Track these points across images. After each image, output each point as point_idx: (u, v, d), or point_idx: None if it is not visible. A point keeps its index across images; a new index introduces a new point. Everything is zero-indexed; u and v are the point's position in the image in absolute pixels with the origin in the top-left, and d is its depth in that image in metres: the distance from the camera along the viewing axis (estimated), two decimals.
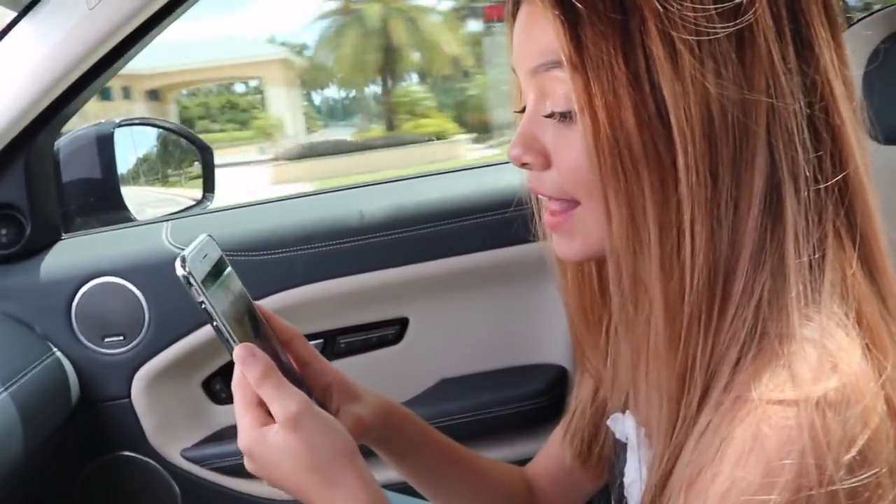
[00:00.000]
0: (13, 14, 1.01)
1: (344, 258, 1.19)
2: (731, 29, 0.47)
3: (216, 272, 0.62)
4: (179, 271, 0.57)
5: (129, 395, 1.20)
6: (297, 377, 0.67)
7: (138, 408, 1.21)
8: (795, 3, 0.49)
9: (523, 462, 0.85)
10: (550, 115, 0.54)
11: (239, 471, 1.23)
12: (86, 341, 1.18)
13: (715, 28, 0.47)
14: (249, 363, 0.58)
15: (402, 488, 0.84)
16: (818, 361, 0.46)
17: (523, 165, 0.57)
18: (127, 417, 1.21)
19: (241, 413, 0.59)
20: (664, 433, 0.52)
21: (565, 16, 0.50)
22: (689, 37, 0.47)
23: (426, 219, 1.20)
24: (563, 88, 0.52)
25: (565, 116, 0.53)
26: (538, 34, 0.53)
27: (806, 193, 0.49)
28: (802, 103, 0.49)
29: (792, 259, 0.48)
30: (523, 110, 0.58)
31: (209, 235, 0.64)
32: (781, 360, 0.46)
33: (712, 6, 0.47)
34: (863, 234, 0.51)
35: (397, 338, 1.28)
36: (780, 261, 0.49)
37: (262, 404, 0.59)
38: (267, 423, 0.58)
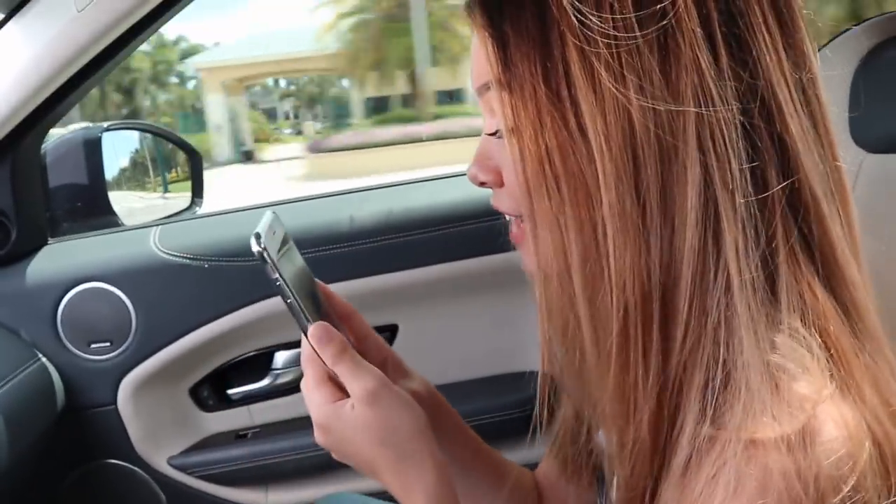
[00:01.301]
0: (0, 16, 1.00)
1: (334, 264, 1.19)
2: (652, 35, 0.46)
3: (286, 248, 0.62)
4: (255, 247, 0.57)
5: (115, 402, 1.19)
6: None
7: (124, 415, 1.20)
8: (731, 4, 0.47)
9: None
10: (495, 134, 0.55)
11: (226, 479, 1.22)
12: (72, 347, 1.16)
13: (635, 36, 0.46)
14: (326, 341, 0.59)
15: None
16: (787, 392, 0.44)
17: (481, 184, 0.58)
18: (113, 424, 1.20)
19: (312, 388, 0.60)
20: (618, 455, 0.51)
21: (494, 36, 0.50)
22: (604, 50, 0.46)
23: (416, 225, 1.20)
24: (498, 108, 0.52)
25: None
26: (479, 55, 0.53)
27: (744, 206, 0.46)
28: (735, 110, 0.46)
29: (735, 276, 0.46)
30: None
31: (274, 212, 0.64)
32: (751, 393, 0.45)
33: (631, 13, 0.46)
34: (820, 247, 0.49)
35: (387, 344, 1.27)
36: (726, 280, 0.47)
37: (333, 380, 0.59)
38: (341, 399, 0.59)
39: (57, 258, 1.21)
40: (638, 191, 0.47)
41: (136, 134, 1.60)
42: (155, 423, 1.22)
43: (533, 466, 0.84)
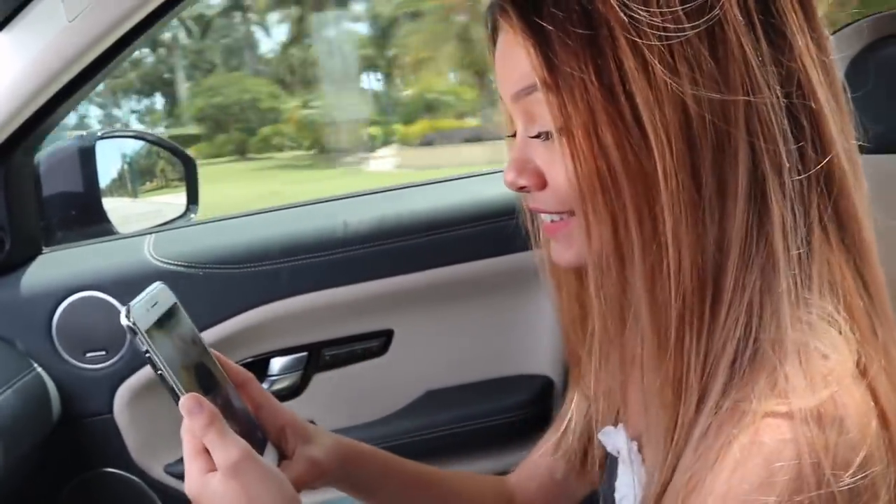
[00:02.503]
0: None
1: (328, 270, 1.19)
2: (701, 27, 0.47)
3: (168, 320, 0.63)
4: (124, 321, 0.58)
5: (111, 411, 1.19)
6: (253, 420, 0.67)
7: (121, 423, 1.19)
8: None
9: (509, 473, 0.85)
10: (538, 136, 0.55)
11: None
12: (67, 356, 1.16)
13: (684, 29, 0.47)
14: (195, 412, 0.58)
15: None
16: (812, 370, 0.45)
17: (521, 189, 0.58)
18: (109, 433, 1.19)
19: (188, 460, 0.60)
20: (661, 443, 0.51)
21: (535, 38, 0.50)
22: (657, 43, 0.46)
23: (411, 230, 1.20)
24: (544, 110, 0.52)
25: (551, 136, 0.53)
26: (515, 60, 0.53)
27: (791, 185, 0.48)
28: (779, 94, 0.48)
29: (781, 254, 0.48)
30: (514, 135, 0.58)
31: (163, 283, 0.65)
32: (776, 368, 0.46)
33: (679, 7, 0.47)
34: (848, 224, 0.51)
35: (382, 349, 1.27)
36: (768, 257, 0.48)
37: (208, 452, 0.60)
38: (212, 470, 0.59)
39: (52, 267, 1.20)
40: (695, 179, 0.48)
41: (130, 141, 1.60)
42: (152, 432, 1.22)
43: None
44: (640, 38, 0.47)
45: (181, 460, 1.20)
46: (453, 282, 1.22)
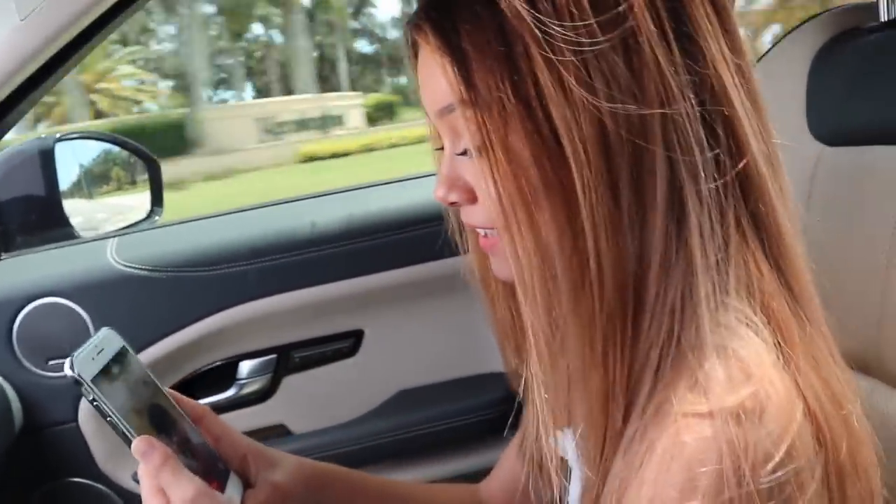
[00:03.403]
0: None
1: (296, 270, 1.17)
2: (616, 39, 0.47)
3: (116, 364, 0.63)
4: (68, 372, 0.59)
5: (76, 420, 1.16)
6: (213, 453, 0.68)
7: (86, 432, 1.17)
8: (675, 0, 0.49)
9: (486, 471, 0.84)
10: (464, 153, 0.55)
11: None
12: (29, 365, 1.13)
13: (598, 42, 0.46)
14: (148, 454, 0.59)
15: None
16: (730, 370, 0.45)
17: (451, 204, 0.58)
18: (74, 442, 1.17)
19: (146, 501, 0.60)
20: (594, 451, 0.51)
21: (452, 56, 0.50)
22: (572, 58, 0.46)
23: (378, 229, 1.19)
24: (464, 128, 0.52)
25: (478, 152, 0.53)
26: (435, 78, 0.53)
27: (707, 192, 0.48)
28: (694, 103, 0.48)
29: (700, 260, 0.48)
30: (443, 148, 0.58)
31: (110, 328, 0.66)
32: (695, 371, 0.46)
33: (592, 19, 0.46)
34: (766, 225, 0.51)
35: (353, 350, 1.26)
36: (687, 264, 0.48)
37: (163, 492, 0.60)
38: None
39: (11, 274, 1.18)
40: (613, 192, 0.48)
41: (90, 143, 1.56)
42: (119, 439, 1.20)
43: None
44: (555, 55, 0.46)
45: None
46: (423, 280, 1.22)
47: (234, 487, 0.66)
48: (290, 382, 1.25)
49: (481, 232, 0.59)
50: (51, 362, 1.14)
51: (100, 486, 1.20)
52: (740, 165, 0.50)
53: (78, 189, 1.51)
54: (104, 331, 0.65)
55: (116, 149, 1.56)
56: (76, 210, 1.40)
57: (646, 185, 0.48)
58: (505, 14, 0.48)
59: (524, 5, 0.47)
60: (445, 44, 0.50)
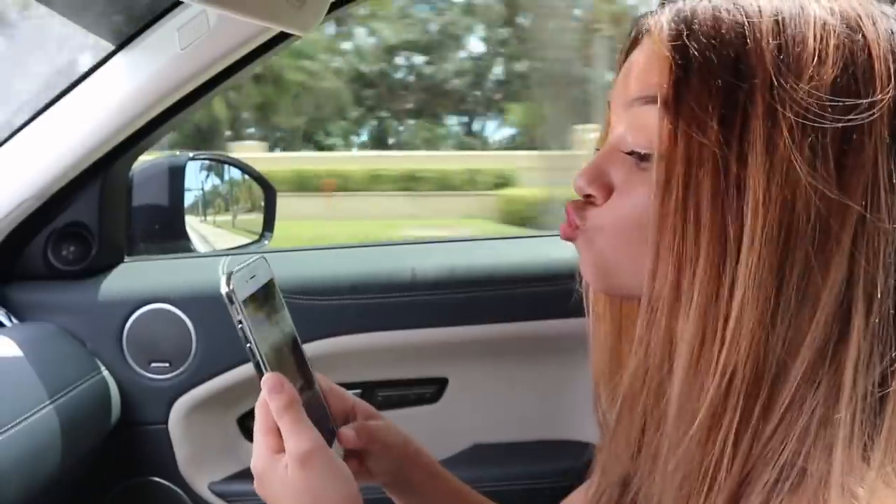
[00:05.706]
0: (111, 47, 1.07)
1: (392, 312, 1.20)
2: (839, 125, 0.44)
3: (264, 295, 0.62)
4: (223, 288, 0.57)
5: (166, 422, 1.22)
6: (326, 411, 0.67)
7: (174, 435, 1.22)
8: None
9: None
10: (630, 153, 0.52)
11: None
12: (133, 364, 1.20)
13: (823, 119, 0.44)
14: (275, 392, 0.58)
15: None
16: None
17: (586, 197, 0.55)
18: (162, 443, 1.22)
19: (258, 434, 0.60)
20: None
21: (678, 59, 0.48)
22: (792, 116, 0.44)
23: (476, 283, 1.21)
24: (651, 127, 0.49)
25: (644, 158, 0.51)
26: (647, 69, 0.51)
27: (877, 319, 0.44)
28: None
29: (848, 386, 0.44)
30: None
31: (263, 257, 0.64)
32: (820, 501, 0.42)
33: (827, 97, 0.44)
34: None
35: (435, 397, 1.28)
36: (836, 386, 0.44)
37: (279, 431, 0.59)
38: (281, 451, 0.59)
39: (130, 276, 1.25)
40: (781, 262, 0.44)
41: (218, 165, 1.66)
42: (201, 448, 1.25)
43: None
44: (779, 105, 0.44)
45: (226, 479, 1.24)
46: (513, 338, 1.23)
47: (337, 450, 0.65)
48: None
49: (577, 219, 0.56)
50: (152, 364, 1.20)
51: (176, 488, 1.24)
52: None
53: (198, 207, 1.60)
54: (258, 258, 0.63)
55: (239, 173, 1.66)
56: (195, 226, 1.49)
57: (817, 277, 0.44)
58: (748, 46, 0.46)
59: (770, 47, 0.45)
60: (677, 41, 0.48)
